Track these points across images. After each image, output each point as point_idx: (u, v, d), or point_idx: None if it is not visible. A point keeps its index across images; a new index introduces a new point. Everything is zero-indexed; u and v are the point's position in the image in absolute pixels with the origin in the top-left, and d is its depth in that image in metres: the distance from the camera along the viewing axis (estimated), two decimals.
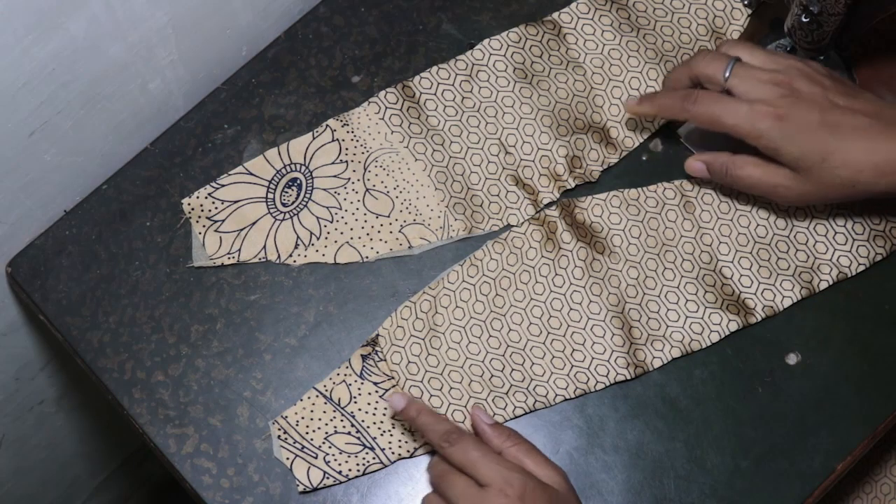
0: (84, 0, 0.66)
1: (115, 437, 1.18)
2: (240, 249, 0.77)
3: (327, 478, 0.72)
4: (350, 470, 0.72)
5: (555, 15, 0.83)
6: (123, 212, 0.79)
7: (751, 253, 0.77)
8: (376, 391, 0.74)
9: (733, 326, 0.75)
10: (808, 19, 0.74)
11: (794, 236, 0.77)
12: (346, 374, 0.74)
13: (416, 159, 0.79)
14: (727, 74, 0.72)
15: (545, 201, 0.78)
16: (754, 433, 0.74)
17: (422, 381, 0.74)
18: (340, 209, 0.78)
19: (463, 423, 0.73)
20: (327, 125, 0.80)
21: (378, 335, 0.75)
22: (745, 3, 0.83)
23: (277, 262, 0.77)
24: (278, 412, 0.74)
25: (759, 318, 0.75)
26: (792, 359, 0.76)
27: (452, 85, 0.81)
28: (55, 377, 0.97)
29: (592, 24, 0.82)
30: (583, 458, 0.73)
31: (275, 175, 0.79)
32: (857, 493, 0.99)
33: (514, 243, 0.77)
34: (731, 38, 0.80)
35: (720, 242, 0.77)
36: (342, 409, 0.73)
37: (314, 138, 0.80)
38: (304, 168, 0.79)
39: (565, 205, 0.78)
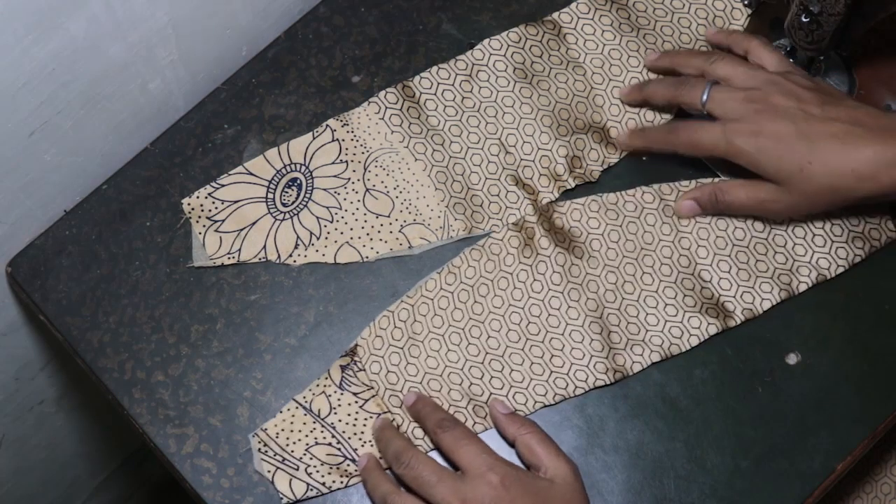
0: (84, 0, 0.66)
1: (115, 437, 1.18)
2: (240, 249, 0.77)
3: (311, 489, 0.72)
4: (334, 482, 0.72)
5: (555, 15, 0.83)
6: (123, 212, 0.79)
7: (729, 256, 0.77)
8: (356, 402, 0.74)
9: (713, 330, 0.75)
10: (808, 19, 0.74)
11: (773, 239, 0.77)
12: (325, 385, 0.74)
13: (416, 159, 0.79)
14: (704, 99, 0.75)
15: (545, 201, 0.78)
16: (754, 433, 0.74)
17: (401, 391, 0.74)
18: (340, 209, 0.78)
19: None
20: (327, 125, 0.80)
21: (356, 345, 0.75)
22: (746, 3, 0.83)
23: (277, 261, 0.77)
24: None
25: (739, 321, 0.75)
26: (792, 359, 0.76)
27: (452, 85, 0.81)
28: (55, 377, 0.97)
29: (592, 24, 0.82)
30: (583, 458, 0.73)
31: (275, 175, 0.79)
32: (858, 493, 0.99)
33: (492, 250, 0.77)
34: (718, 51, 0.81)
35: (698, 246, 0.77)
36: (322, 420, 0.73)
37: (314, 138, 0.80)
38: (304, 168, 0.79)
39: (543, 210, 0.78)
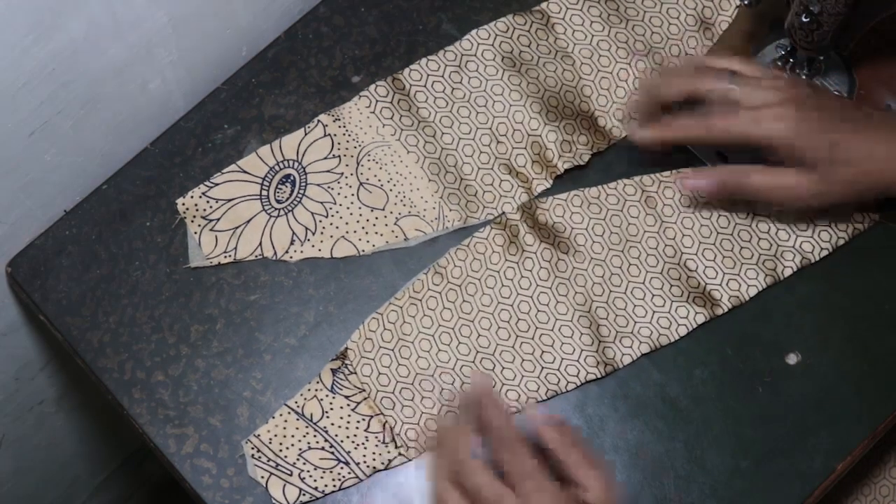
0: (84, 0, 0.66)
1: (115, 437, 1.18)
2: (236, 248, 0.77)
3: (303, 495, 0.72)
4: (326, 486, 0.72)
5: (543, 4, 0.83)
6: (123, 212, 0.79)
7: (714, 244, 0.77)
8: (348, 405, 0.74)
9: (700, 319, 0.75)
10: (808, 19, 0.74)
11: (756, 225, 0.77)
12: (317, 390, 0.74)
13: (409, 151, 0.79)
14: (732, 87, 0.74)
15: (539, 189, 0.78)
16: (754, 433, 0.74)
17: (393, 392, 0.74)
18: (335, 204, 0.78)
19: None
20: (318, 120, 0.80)
21: (347, 348, 0.75)
22: (746, 2, 0.82)
23: (274, 258, 0.77)
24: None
25: (726, 309, 0.76)
26: (792, 359, 0.76)
27: (442, 76, 0.81)
28: (55, 377, 0.97)
29: (581, 14, 0.82)
30: None
31: (268, 172, 0.79)
32: (856, 495, 0.99)
33: (477, 248, 0.77)
34: (711, 55, 0.81)
35: (683, 235, 0.77)
36: (314, 424, 0.73)
37: (306, 134, 0.80)
38: (297, 164, 0.79)
39: (526, 207, 0.78)
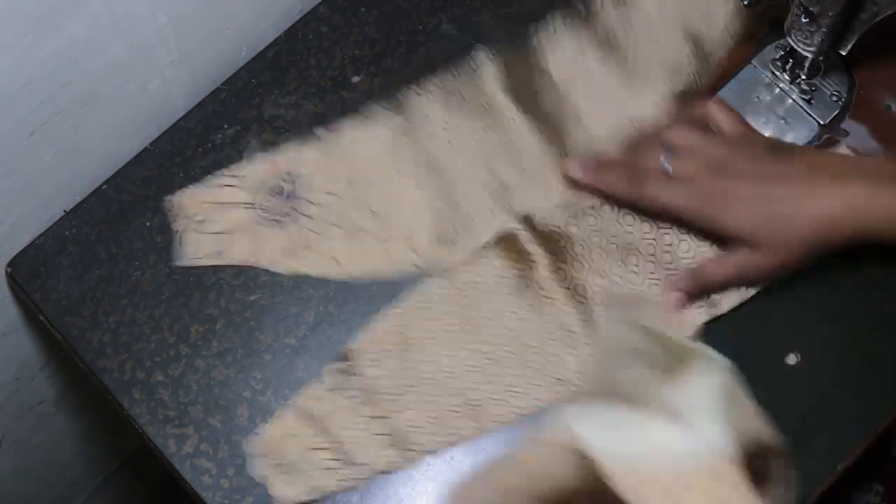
0: (84, 0, 0.66)
1: (115, 437, 1.18)
2: (222, 253, 0.77)
3: (305, 494, 0.72)
4: (328, 486, 0.72)
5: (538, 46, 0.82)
6: (123, 212, 0.79)
7: (711, 247, 0.77)
8: (349, 406, 0.74)
9: (700, 319, 0.75)
10: (807, 19, 0.74)
11: None
12: (319, 390, 0.74)
13: (405, 176, 0.78)
14: (664, 164, 0.74)
15: (540, 222, 0.78)
16: None
17: (395, 395, 0.74)
18: (325, 221, 0.78)
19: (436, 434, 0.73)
20: (315, 134, 0.79)
21: (350, 349, 0.75)
22: (746, 2, 0.82)
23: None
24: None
25: (726, 310, 0.75)
26: (792, 359, 0.76)
27: (442, 100, 0.80)
28: (55, 377, 0.97)
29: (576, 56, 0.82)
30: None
31: (261, 183, 0.78)
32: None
33: (482, 255, 0.77)
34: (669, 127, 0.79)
35: (680, 240, 0.77)
36: (317, 424, 0.73)
37: (302, 147, 0.79)
38: (290, 177, 0.78)
39: (526, 217, 0.78)
